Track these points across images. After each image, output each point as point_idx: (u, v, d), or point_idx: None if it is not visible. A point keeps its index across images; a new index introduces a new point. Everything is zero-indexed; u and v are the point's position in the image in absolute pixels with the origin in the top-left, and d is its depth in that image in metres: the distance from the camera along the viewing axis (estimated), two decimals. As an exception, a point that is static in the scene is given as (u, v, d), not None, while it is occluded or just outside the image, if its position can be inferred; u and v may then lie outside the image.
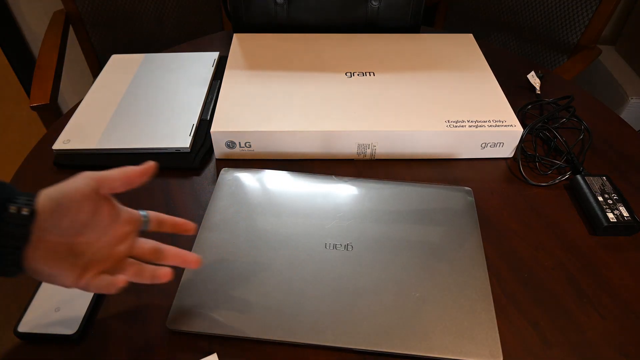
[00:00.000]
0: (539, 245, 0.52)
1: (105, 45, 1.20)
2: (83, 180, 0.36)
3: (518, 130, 0.60)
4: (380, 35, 0.78)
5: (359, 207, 0.53)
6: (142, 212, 0.42)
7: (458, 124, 0.60)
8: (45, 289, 0.45)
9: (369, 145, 0.61)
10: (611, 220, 0.53)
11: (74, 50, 1.41)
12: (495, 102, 0.64)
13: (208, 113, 0.67)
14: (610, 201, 0.55)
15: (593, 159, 0.63)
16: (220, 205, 0.53)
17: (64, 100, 1.57)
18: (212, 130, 0.59)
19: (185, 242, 0.52)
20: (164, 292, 0.47)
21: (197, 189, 0.58)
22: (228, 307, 0.44)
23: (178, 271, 0.49)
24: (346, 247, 0.49)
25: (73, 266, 0.36)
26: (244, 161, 0.62)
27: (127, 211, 0.41)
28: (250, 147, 0.61)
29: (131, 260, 0.41)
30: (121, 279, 0.38)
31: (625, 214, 0.53)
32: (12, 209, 0.33)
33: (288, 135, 0.59)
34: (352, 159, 0.63)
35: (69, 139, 0.61)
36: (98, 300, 0.46)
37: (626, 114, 1.47)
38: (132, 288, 0.47)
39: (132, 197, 0.56)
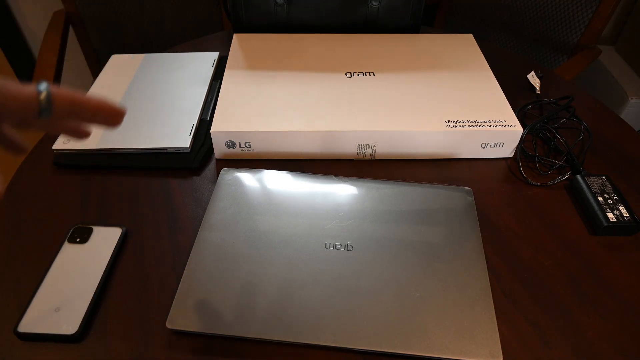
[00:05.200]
0: (539, 245, 0.52)
1: (105, 45, 1.20)
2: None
3: (518, 130, 0.60)
4: (380, 35, 0.78)
5: (359, 207, 0.53)
6: (41, 87, 0.29)
7: (458, 124, 0.60)
8: (46, 288, 0.46)
9: (368, 145, 0.61)
10: (611, 220, 0.53)
11: (74, 50, 1.41)
12: (495, 102, 0.64)
13: (208, 113, 0.67)
14: (610, 201, 0.55)
15: (593, 159, 0.63)
16: (220, 206, 0.53)
17: (64, 100, 1.57)
18: (212, 130, 0.59)
19: (186, 241, 0.52)
20: (164, 291, 0.47)
21: (197, 189, 0.58)
22: (228, 307, 0.44)
23: (178, 271, 0.49)
24: (346, 247, 0.49)
25: None
26: (244, 161, 0.62)
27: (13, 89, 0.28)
28: (250, 147, 0.61)
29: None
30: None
31: (625, 214, 0.53)
32: None
33: (288, 135, 0.59)
34: (352, 159, 0.63)
35: (69, 139, 0.61)
36: (98, 300, 0.46)
37: (626, 114, 1.47)
38: (132, 288, 0.47)
39: (130, 197, 0.57)
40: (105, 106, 0.32)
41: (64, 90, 0.29)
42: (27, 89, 0.28)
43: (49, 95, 0.28)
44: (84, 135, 0.33)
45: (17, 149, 0.35)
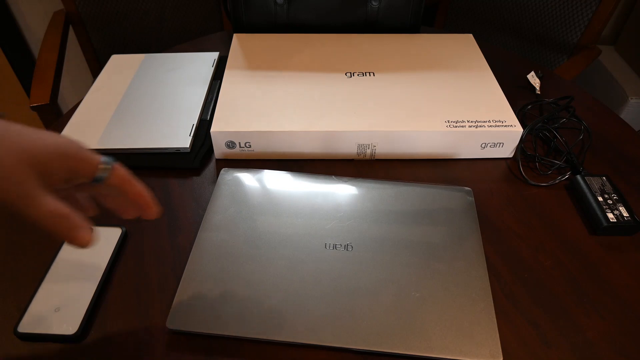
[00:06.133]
0: (539, 245, 0.52)
1: (105, 45, 1.20)
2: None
3: (518, 130, 0.60)
4: (380, 35, 0.78)
5: (359, 207, 0.53)
6: (105, 159, 0.34)
7: (458, 124, 0.60)
8: (45, 289, 0.46)
9: (369, 145, 0.61)
10: (611, 220, 0.53)
11: (74, 50, 1.41)
12: (495, 102, 0.64)
13: (208, 113, 0.67)
14: (610, 201, 0.55)
15: (593, 159, 0.63)
16: (220, 205, 0.53)
17: (64, 100, 1.57)
18: (212, 130, 0.59)
19: (186, 241, 0.52)
20: (164, 291, 0.47)
21: (197, 189, 0.58)
22: (228, 307, 0.44)
23: (178, 271, 0.49)
24: (346, 247, 0.49)
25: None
26: (244, 161, 0.62)
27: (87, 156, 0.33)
28: (250, 147, 0.61)
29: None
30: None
31: (625, 214, 0.53)
32: None
33: (288, 135, 0.59)
34: (352, 159, 0.63)
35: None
36: (98, 300, 0.46)
37: (626, 114, 1.47)
38: (132, 288, 0.47)
39: (132, 197, 0.57)
40: (144, 196, 0.37)
41: (123, 169, 0.35)
42: (96, 157, 0.33)
43: (109, 167, 0.34)
44: (123, 214, 0.39)
45: (88, 212, 0.39)
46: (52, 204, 0.30)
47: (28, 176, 0.30)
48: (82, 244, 0.32)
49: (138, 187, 0.37)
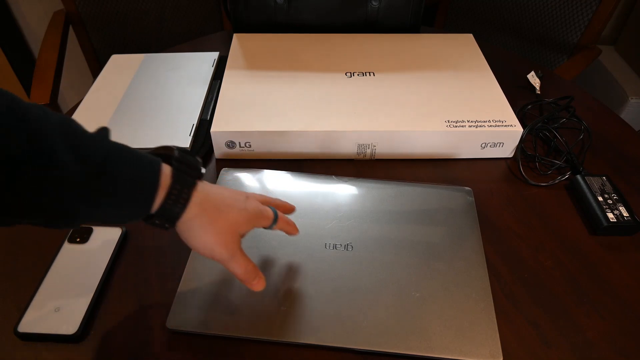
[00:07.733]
0: (539, 245, 0.52)
1: (105, 45, 1.20)
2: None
3: (518, 130, 0.60)
4: (380, 35, 0.78)
5: (359, 207, 0.53)
6: (274, 212, 0.44)
7: (458, 124, 0.60)
8: (46, 288, 0.45)
9: (369, 145, 0.61)
10: (611, 220, 0.53)
11: (74, 50, 1.41)
12: (495, 102, 0.64)
13: (208, 113, 0.67)
14: (610, 201, 0.55)
15: (593, 159, 0.63)
16: (220, 205, 0.53)
17: (64, 100, 1.57)
18: (212, 130, 0.59)
19: (185, 242, 0.52)
20: (164, 292, 0.47)
21: (197, 189, 0.58)
22: (228, 307, 0.44)
23: (178, 271, 0.49)
24: (346, 247, 0.49)
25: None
26: (244, 161, 0.62)
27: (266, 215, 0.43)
28: (250, 147, 0.61)
29: None
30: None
31: (625, 214, 0.53)
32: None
33: (288, 135, 0.59)
34: (352, 159, 0.63)
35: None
36: (98, 300, 0.46)
37: (626, 114, 1.47)
38: (132, 288, 0.47)
39: (132, 197, 0.56)
40: (296, 230, 0.47)
41: (283, 216, 0.45)
42: (270, 214, 0.43)
43: (276, 218, 0.44)
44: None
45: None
46: (246, 263, 0.40)
47: (235, 242, 0.40)
48: (258, 290, 0.41)
49: (293, 226, 0.46)
